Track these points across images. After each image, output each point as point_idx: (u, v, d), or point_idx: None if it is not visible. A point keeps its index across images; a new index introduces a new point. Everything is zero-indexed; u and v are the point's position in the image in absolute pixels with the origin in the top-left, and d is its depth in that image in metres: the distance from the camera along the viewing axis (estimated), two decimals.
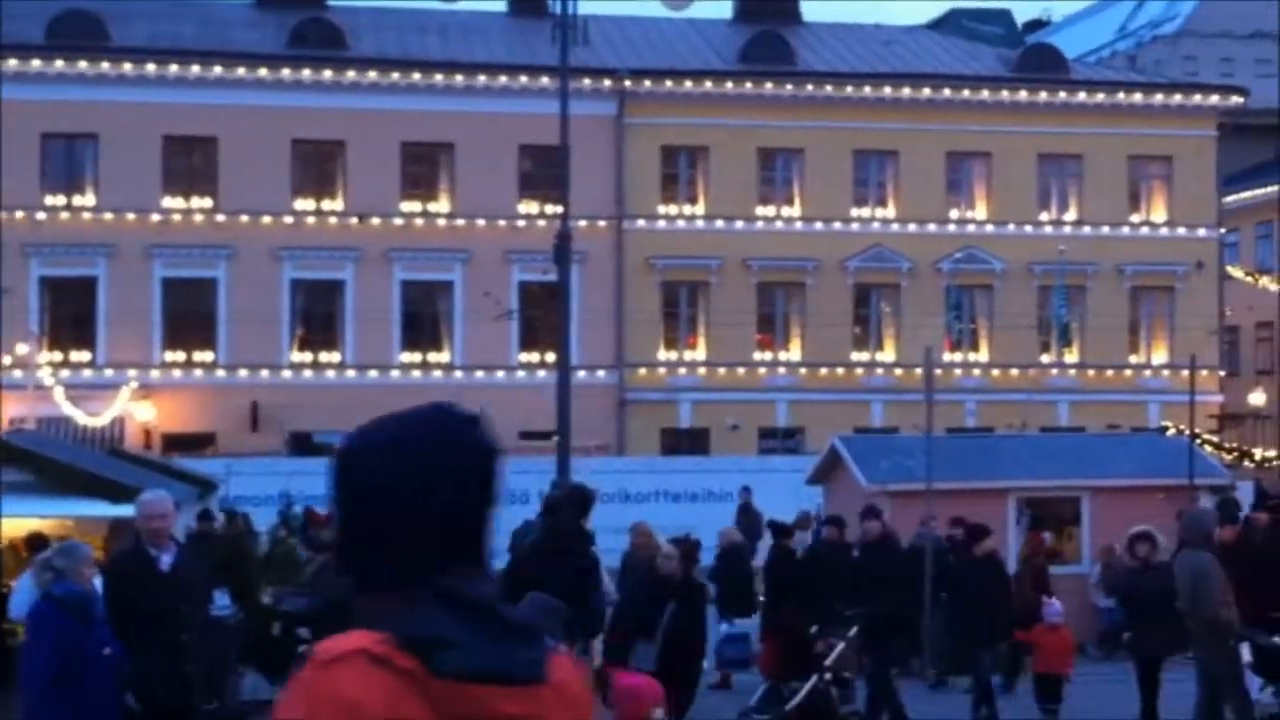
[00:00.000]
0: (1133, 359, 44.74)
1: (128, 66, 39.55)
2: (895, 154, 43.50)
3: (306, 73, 40.89)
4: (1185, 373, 32.78)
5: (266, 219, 40.39)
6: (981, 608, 16.32)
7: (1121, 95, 45.00)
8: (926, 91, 43.59)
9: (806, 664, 11.92)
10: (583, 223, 38.52)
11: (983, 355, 43.99)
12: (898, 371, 42.43)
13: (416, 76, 41.35)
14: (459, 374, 41.33)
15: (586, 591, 11.65)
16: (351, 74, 41.12)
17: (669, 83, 42.55)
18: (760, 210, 43.08)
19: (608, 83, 41.84)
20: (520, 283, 41.12)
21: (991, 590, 16.49)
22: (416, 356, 41.44)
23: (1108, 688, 15.82)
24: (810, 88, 43.18)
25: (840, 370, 43.00)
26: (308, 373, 40.81)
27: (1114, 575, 19.13)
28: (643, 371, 42.25)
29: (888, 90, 43.42)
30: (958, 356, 43.12)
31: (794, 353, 43.21)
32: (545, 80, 39.33)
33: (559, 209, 28.25)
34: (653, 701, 11.66)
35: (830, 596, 16.10)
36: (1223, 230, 46.58)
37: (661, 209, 42.67)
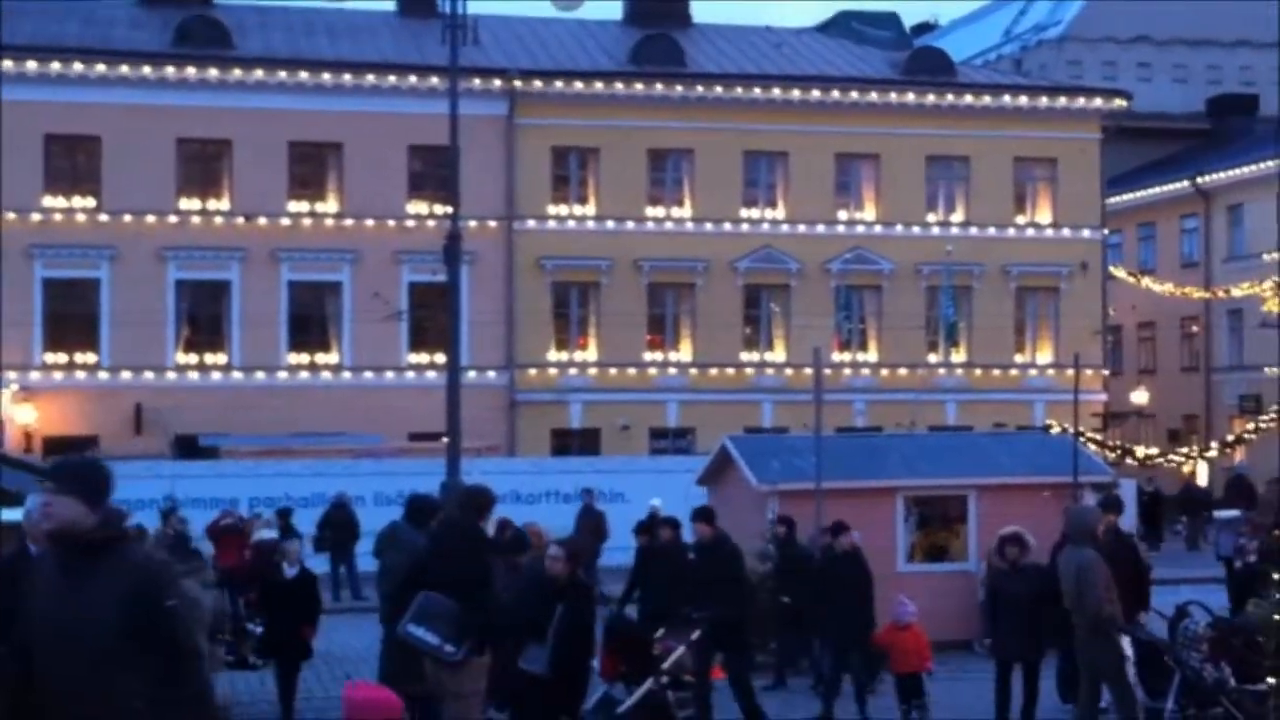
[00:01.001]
0: (1018, 358, 45.26)
1: (9, 64, 38.78)
2: (785, 155, 43.71)
3: (192, 71, 40.35)
4: (1070, 372, 33.18)
5: (151, 219, 39.81)
6: (841, 605, 16.43)
7: (1007, 98, 45.52)
8: (816, 93, 43.84)
9: (645, 667, 11.81)
10: (473, 223, 38.38)
11: (871, 355, 44.31)
12: (787, 371, 42.65)
13: (304, 76, 40.95)
14: (347, 375, 41.01)
15: (481, 592, 11.54)
16: (238, 73, 40.63)
17: (559, 83, 42.47)
18: (650, 211, 43.12)
19: (498, 83, 41.69)
20: (410, 283, 40.84)
21: (852, 587, 16.60)
22: (304, 358, 41.04)
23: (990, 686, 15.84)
24: (700, 89, 43.29)
25: (730, 370, 43.14)
26: (193, 374, 40.28)
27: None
28: (533, 372, 42.14)
29: (777, 92, 43.62)
30: (847, 356, 43.43)
31: (684, 353, 43.29)
32: (435, 80, 39.19)
33: (449, 209, 28.04)
34: (389, 714, 11.51)
35: (670, 598, 16.12)
36: (1106, 231, 47.24)
37: (552, 209, 42.58)
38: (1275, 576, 11.27)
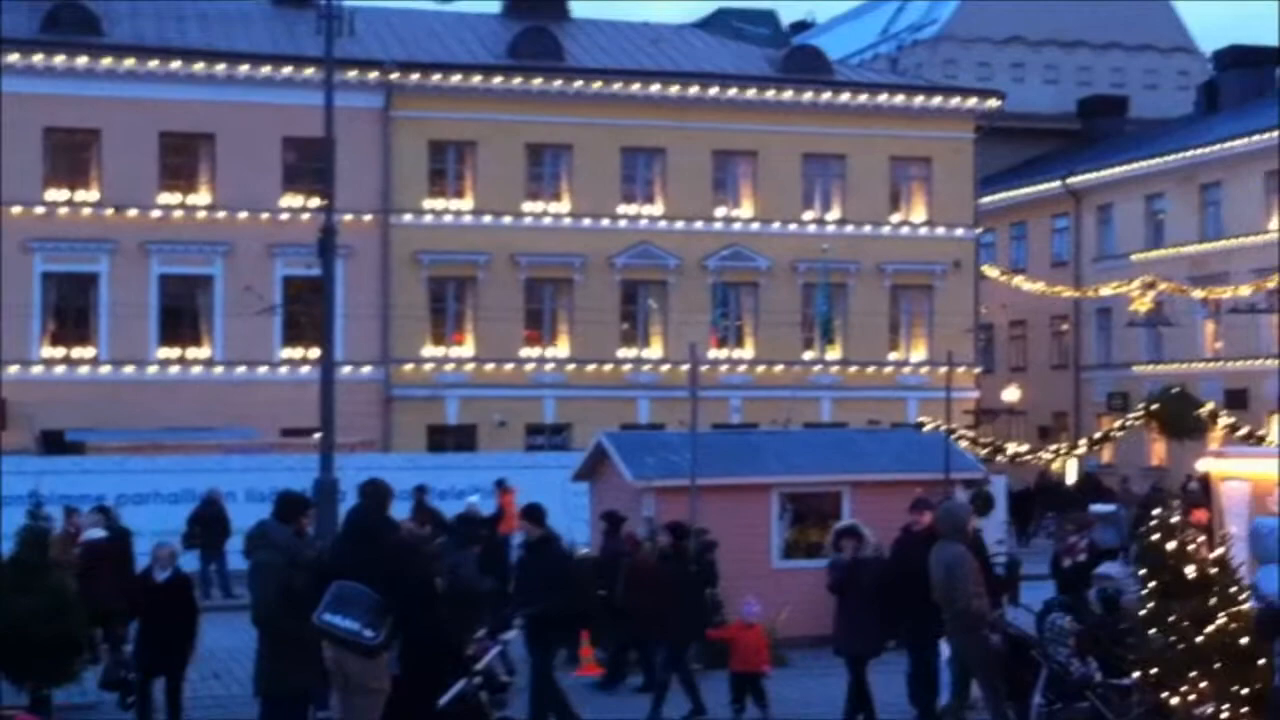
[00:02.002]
0: (893, 356, 45.65)
1: None
2: (663, 151, 43.76)
3: (60, 59, 39.55)
4: (943, 369, 33.52)
5: (16, 209, 38.93)
6: (672, 605, 16.45)
7: (883, 97, 45.89)
8: (694, 90, 43.92)
9: (459, 667, 11.75)
10: (348, 217, 38.04)
11: (748, 352, 44.48)
12: (664, 368, 42.70)
13: (176, 65, 40.31)
14: (219, 370, 40.46)
15: (398, 578, 11.46)
16: (107, 61, 39.88)
17: (436, 76, 42.17)
18: (528, 206, 42.97)
19: (374, 75, 41.32)
20: (284, 277, 40.36)
21: (682, 587, 16.63)
22: (175, 352, 40.42)
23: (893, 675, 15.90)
24: (579, 84, 43.19)
25: (607, 367, 43.11)
26: (59, 369, 39.51)
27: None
28: (409, 368, 41.82)
29: (655, 88, 43.64)
30: (723, 353, 43.60)
31: (561, 349, 43.19)
32: (310, 71, 38.80)
33: (324, 202, 27.73)
34: None
35: (494, 598, 16.13)
36: (979, 230, 47.78)
37: (428, 204, 42.28)
38: (1142, 572, 11.40)
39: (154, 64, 40.09)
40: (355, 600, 10.97)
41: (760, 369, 44.15)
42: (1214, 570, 10.88)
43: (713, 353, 42.10)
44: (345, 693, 11.27)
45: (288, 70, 40.59)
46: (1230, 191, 49.67)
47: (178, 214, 40.43)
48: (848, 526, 15.85)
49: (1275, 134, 47.61)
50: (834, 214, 45.21)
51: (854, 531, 15.51)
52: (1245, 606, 10.17)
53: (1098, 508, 28.94)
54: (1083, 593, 16.42)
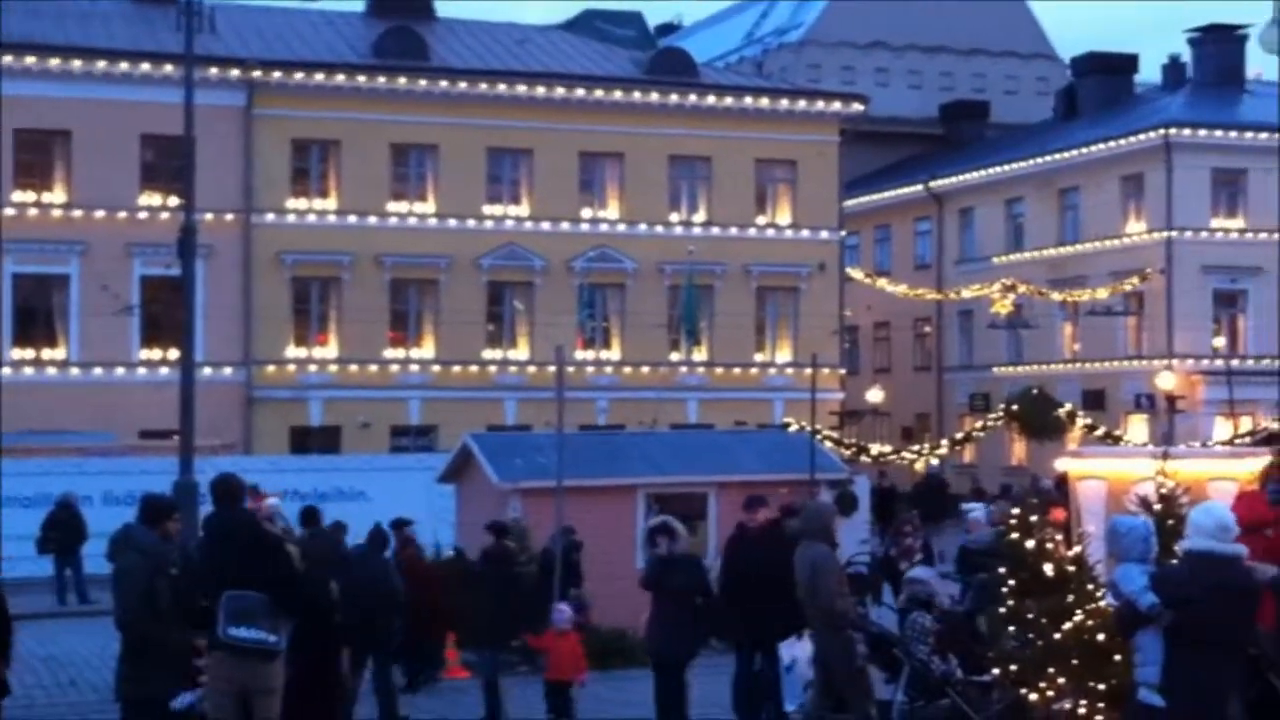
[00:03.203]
0: (759, 357, 45.89)
1: None
2: (529, 152, 43.63)
3: None
4: (808, 371, 33.71)
5: None
6: (484, 607, 16.35)
7: (748, 100, 46.11)
8: (560, 91, 43.83)
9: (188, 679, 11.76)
10: (208, 216, 37.46)
11: (615, 353, 44.49)
12: (531, 369, 42.58)
13: (31, 61, 39.48)
14: (75, 371, 39.70)
15: (282, 573, 11.32)
16: None
17: (299, 75, 41.69)
18: (393, 206, 42.64)
19: (235, 73, 40.76)
20: (142, 277, 39.71)
21: (497, 588, 16.57)
22: (29, 353, 39.59)
23: (719, 679, 15.79)
24: (444, 84, 42.93)
25: (473, 368, 42.90)
26: None
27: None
28: (271, 369, 41.31)
29: (521, 89, 43.50)
30: (590, 354, 43.55)
31: (427, 350, 42.91)
32: (169, 68, 38.24)
33: (183, 201, 27.31)
34: None
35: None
36: (844, 233, 48.18)
37: (291, 203, 41.80)
38: (1000, 572, 11.52)
39: (9, 59, 39.23)
40: (251, 608, 10.82)
41: (627, 370, 44.17)
42: (1072, 568, 11.03)
43: (579, 354, 42.04)
44: (242, 701, 11.10)
45: (146, 67, 39.93)
46: (1088, 196, 50.59)
47: (32, 212, 39.61)
48: (660, 523, 15.37)
49: (1132, 139, 48.60)
50: (700, 216, 45.36)
51: (667, 528, 14.98)
52: (1102, 604, 10.31)
53: (967, 507, 29.31)
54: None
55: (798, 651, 14.66)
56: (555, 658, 15.60)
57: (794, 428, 34.00)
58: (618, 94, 44.48)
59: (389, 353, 42.50)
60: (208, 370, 37.59)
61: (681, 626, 14.42)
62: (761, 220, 46.08)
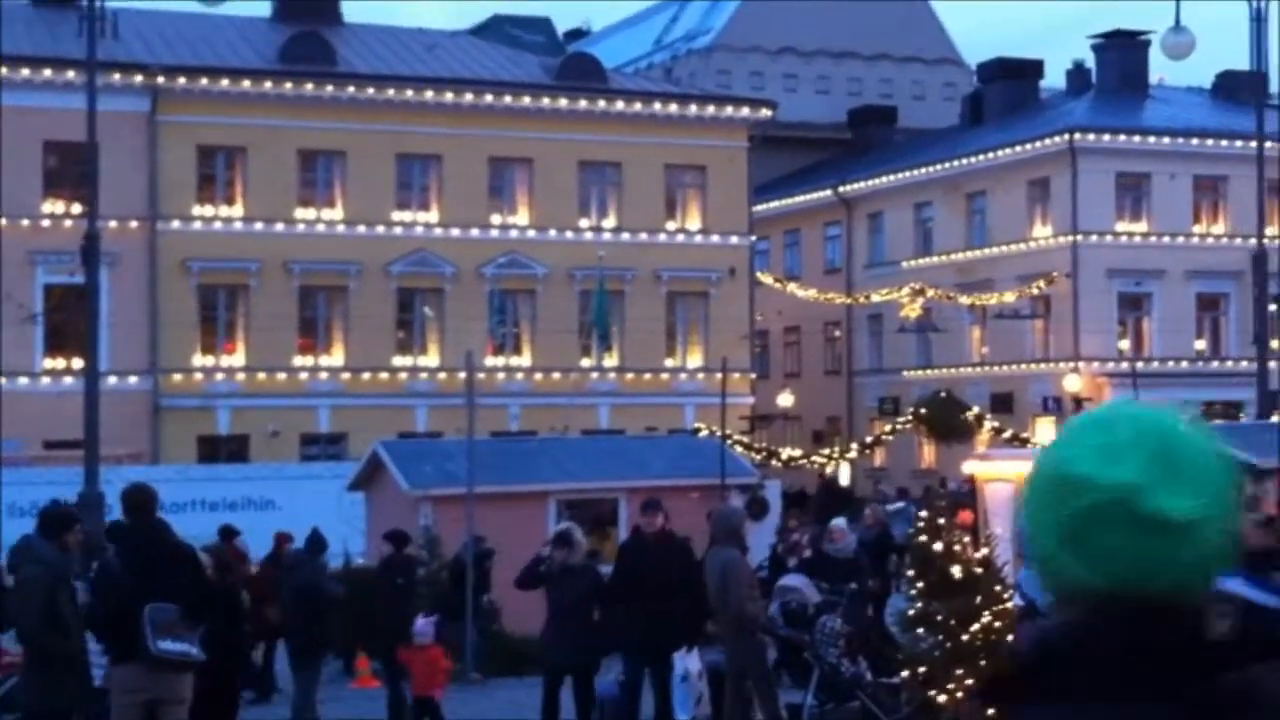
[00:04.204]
0: (669, 362, 45.94)
1: None
2: (438, 158, 43.45)
3: None
4: (718, 376, 33.80)
5: None
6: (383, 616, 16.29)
7: (657, 105, 46.18)
8: (469, 97, 43.69)
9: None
10: (113, 223, 37.03)
11: (525, 359, 44.40)
12: (441, 375, 42.38)
13: None
14: None
15: (198, 584, 11.21)
16: None
17: (205, 80, 41.29)
18: (301, 213, 42.32)
19: (139, 78, 40.28)
20: (45, 285, 39.18)
21: (398, 599, 16.50)
22: None
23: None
24: (352, 89, 42.68)
25: (384, 375, 42.66)
26: None
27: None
28: (178, 377, 40.88)
29: (430, 94, 43.31)
30: (501, 361, 43.43)
31: (336, 357, 42.63)
32: (71, 74, 37.65)
33: (87, 208, 26.97)
34: None
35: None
36: (754, 238, 48.35)
37: (197, 210, 41.40)
38: (910, 574, 11.59)
39: None
40: (173, 621, 10.77)
41: (538, 376, 44.09)
42: (979, 570, 11.11)
43: (490, 360, 41.93)
44: (150, 711, 10.99)
45: (48, 73, 39.38)
46: (995, 200, 51.04)
47: None
48: (561, 531, 15.04)
49: (1037, 144, 49.10)
50: (610, 221, 45.37)
51: (566, 538, 14.65)
52: (1010, 605, 10.38)
53: (891, 506, 29.60)
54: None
55: (690, 663, 14.51)
56: (415, 672, 15.31)
57: (704, 433, 34.05)
58: (527, 100, 44.41)
59: (298, 360, 42.18)
60: (113, 379, 37.11)
61: (578, 637, 14.14)
62: (671, 226, 46.15)
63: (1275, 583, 6.85)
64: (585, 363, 44.60)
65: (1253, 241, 36.21)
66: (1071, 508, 2.06)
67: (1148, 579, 2.01)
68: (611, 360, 44.79)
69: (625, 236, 45.14)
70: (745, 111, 47.55)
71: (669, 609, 13.90)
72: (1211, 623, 2.04)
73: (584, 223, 45.06)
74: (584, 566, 14.54)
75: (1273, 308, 38.90)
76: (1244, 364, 43.99)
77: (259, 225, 41.70)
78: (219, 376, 41.41)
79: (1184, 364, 48.07)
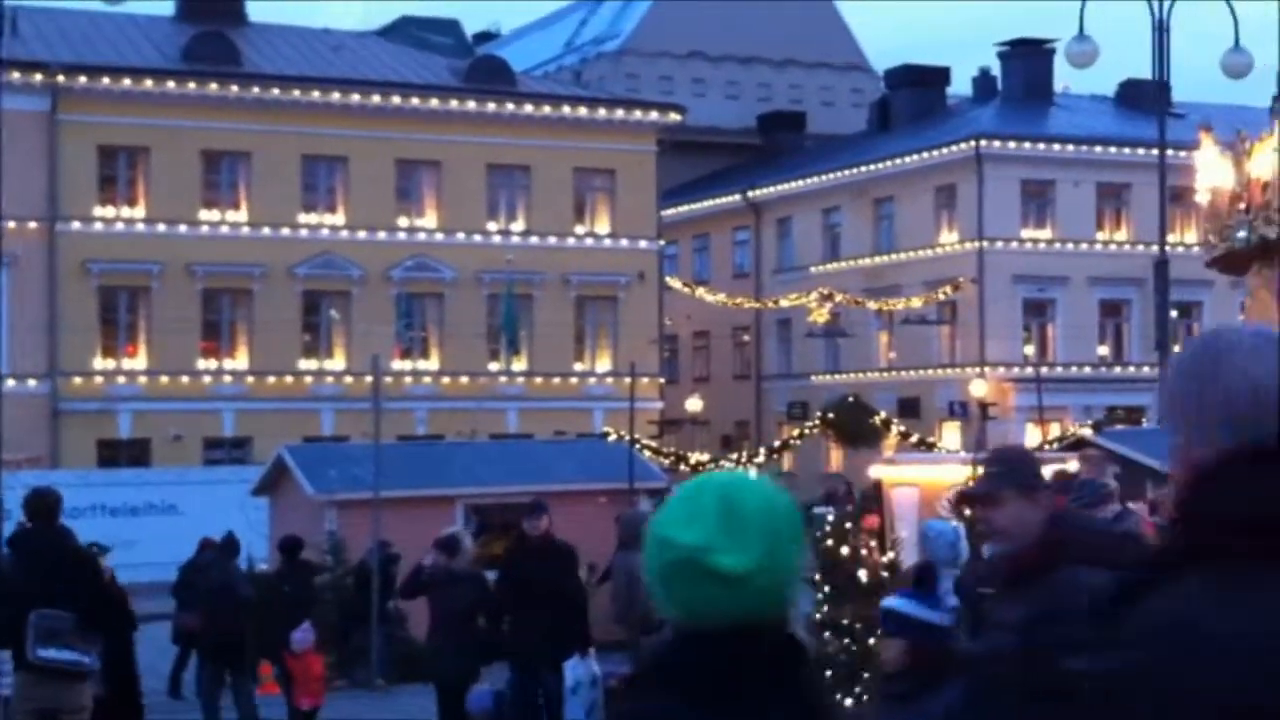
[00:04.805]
0: (578, 367, 45.85)
1: None
2: (345, 160, 43.10)
3: None
4: (627, 380, 33.78)
5: None
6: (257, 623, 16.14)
7: (566, 109, 46.06)
8: (376, 98, 43.39)
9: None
10: (11, 224, 36.24)
11: (433, 363, 44.14)
12: (348, 379, 42.02)
13: None
14: None
15: (96, 592, 10.98)
16: None
17: (106, 79, 40.71)
18: (204, 214, 41.84)
19: (39, 77, 39.65)
20: None
21: (294, 606, 16.32)
22: None
23: None
24: (257, 90, 42.24)
25: (289, 379, 42.25)
26: None
27: None
28: (78, 380, 40.27)
29: (337, 96, 42.96)
30: (408, 364, 43.11)
31: (240, 361, 42.17)
32: None
33: None
34: None
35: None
36: (662, 243, 48.36)
37: (98, 211, 40.82)
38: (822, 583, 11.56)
39: None
40: (63, 629, 10.53)
41: (445, 380, 43.84)
42: (885, 574, 11.10)
43: (397, 364, 41.60)
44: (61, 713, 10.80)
45: None
46: (902, 206, 51.37)
47: None
48: (446, 536, 14.21)
49: (944, 151, 49.46)
50: (519, 225, 45.21)
51: (448, 544, 13.83)
52: None
53: (819, 510, 29.62)
54: None
55: (581, 672, 14.23)
56: (294, 680, 15.04)
57: (613, 437, 34.03)
58: (435, 102, 44.15)
59: (201, 364, 41.70)
60: (11, 382, 36.44)
61: (461, 648, 13.52)
62: (580, 229, 46.06)
63: (941, 600, 6.94)
64: (493, 367, 44.39)
65: (1155, 249, 36.62)
66: (660, 560, 2.59)
67: (716, 616, 2.53)
68: (520, 364, 44.61)
69: (534, 240, 45.00)
70: (654, 115, 47.58)
71: (558, 615, 13.51)
72: (801, 640, 2.65)
73: (492, 226, 44.86)
74: (469, 574, 13.92)
75: (1174, 314, 39.38)
76: (1146, 369, 44.53)
77: (161, 227, 41.17)
78: (120, 380, 40.85)
79: (1087, 369, 48.57)
